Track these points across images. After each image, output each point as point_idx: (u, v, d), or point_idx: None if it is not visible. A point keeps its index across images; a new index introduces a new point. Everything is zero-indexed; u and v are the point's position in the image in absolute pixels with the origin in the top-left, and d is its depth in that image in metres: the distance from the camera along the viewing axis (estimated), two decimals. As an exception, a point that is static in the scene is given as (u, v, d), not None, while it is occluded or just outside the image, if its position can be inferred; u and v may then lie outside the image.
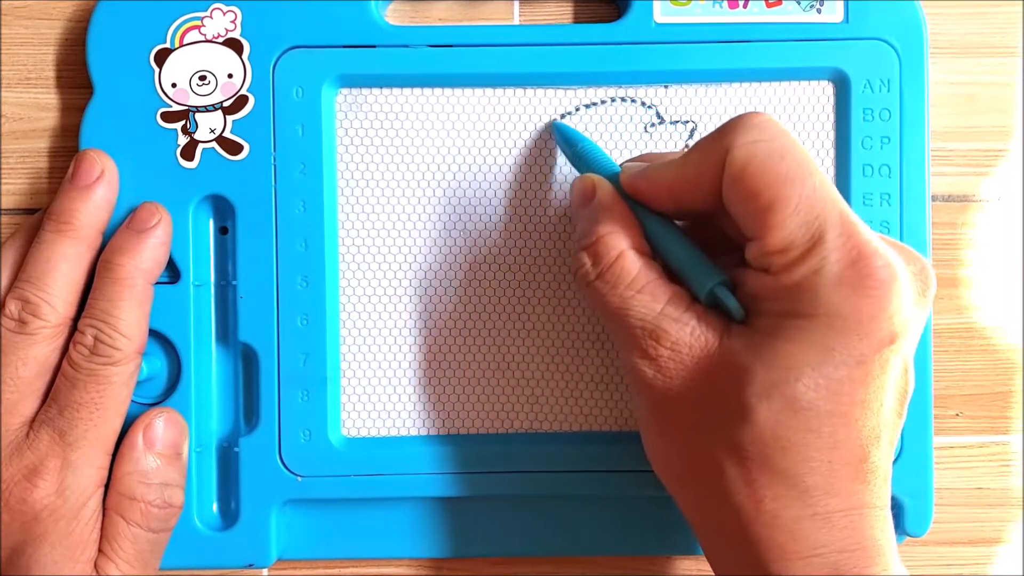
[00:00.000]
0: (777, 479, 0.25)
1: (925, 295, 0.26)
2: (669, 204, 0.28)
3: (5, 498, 0.29)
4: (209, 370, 0.33)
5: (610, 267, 0.27)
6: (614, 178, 0.29)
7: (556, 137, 0.33)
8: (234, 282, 0.33)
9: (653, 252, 0.28)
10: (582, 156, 0.31)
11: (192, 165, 0.33)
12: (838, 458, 0.25)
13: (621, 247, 0.28)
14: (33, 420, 0.30)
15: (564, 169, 0.34)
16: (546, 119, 0.34)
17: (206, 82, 0.33)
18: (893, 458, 0.27)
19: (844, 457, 0.25)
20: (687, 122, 0.34)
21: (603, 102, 0.34)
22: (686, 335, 0.26)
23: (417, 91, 0.33)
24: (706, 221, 0.29)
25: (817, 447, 0.24)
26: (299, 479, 0.33)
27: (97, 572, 0.30)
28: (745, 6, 0.33)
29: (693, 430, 0.26)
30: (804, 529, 0.25)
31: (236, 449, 0.33)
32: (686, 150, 0.28)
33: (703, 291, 0.27)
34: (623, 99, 0.34)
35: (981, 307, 0.35)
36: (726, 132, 0.26)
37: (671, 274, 0.28)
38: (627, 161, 0.30)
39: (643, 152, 0.33)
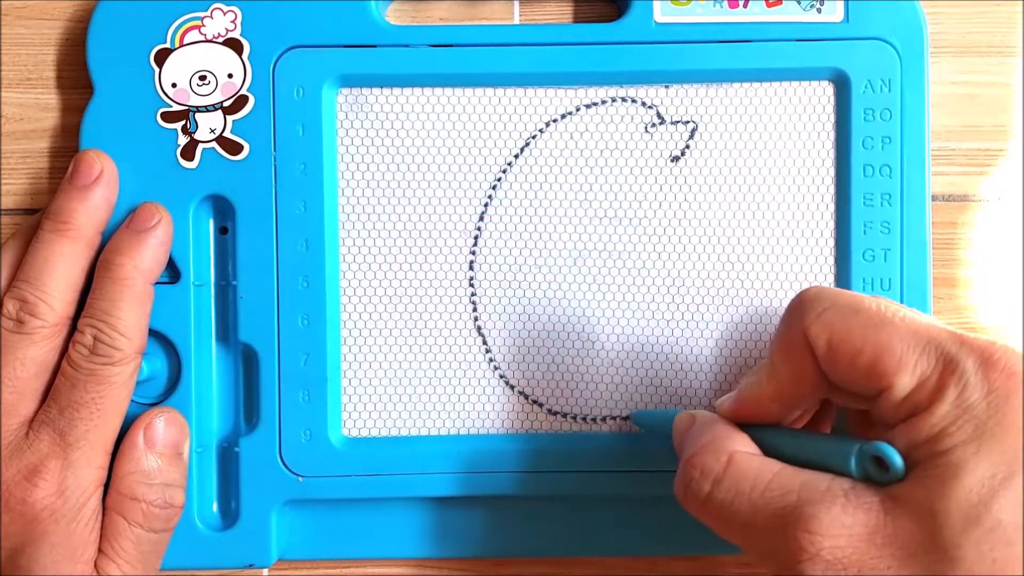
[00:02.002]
0: None
1: None
2: (777, 413, 0.27)
3: (5, 498, 0.29)
4: (209, 370, 0.33)
5: (724, 472, 0.25)
6: (712, 412, 0.28)
7: (640, 426, 0.33)
8: (234, 282, 0.33)
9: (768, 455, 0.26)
10: (671, 415, 0.30)
11: (192, 165, 0.33)
12: None
13: (730, 449, 0.25)
14: (32, 420, 0.30)
15: (565, 169, 0.34)
16: (546, 119, 0.34)
17: (206, 82, 0.33)
18: None
19: None
20: (687, 122, 0.34)
21: (603, 102, 0.34)
22: (840, 512, 0.23)
23: (418, 91, 0.33)
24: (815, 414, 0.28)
25: None
26: (300, 479, 0.33)
27: (98, 572, 0.30)
28: (745, 6, 0.33)
29: None
30: None
31: (236, 449, 0.33)
32: (760, 366, 0.27)
33: (849, 460, 0.24)
34: (623, 99, 0.34)
35: (981, 307, 0.35)
36: (792, 321, 0.25)
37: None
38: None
39: (642, 153, 0.33)
